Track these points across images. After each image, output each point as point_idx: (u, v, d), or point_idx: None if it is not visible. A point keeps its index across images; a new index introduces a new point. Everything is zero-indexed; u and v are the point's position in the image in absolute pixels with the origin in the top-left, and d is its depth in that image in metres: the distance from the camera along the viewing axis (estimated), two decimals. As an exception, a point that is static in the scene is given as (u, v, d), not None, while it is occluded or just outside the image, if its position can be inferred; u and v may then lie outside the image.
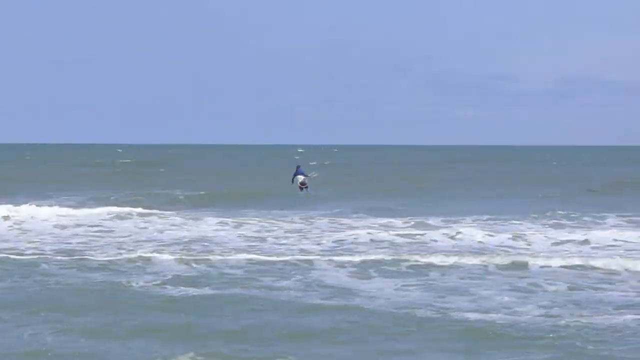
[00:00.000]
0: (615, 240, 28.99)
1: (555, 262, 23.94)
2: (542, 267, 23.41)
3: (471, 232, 30.94)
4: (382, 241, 29.66)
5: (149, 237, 30.69)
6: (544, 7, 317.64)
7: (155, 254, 25.34)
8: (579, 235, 29.94)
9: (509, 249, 27.37)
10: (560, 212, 37.74)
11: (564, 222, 34.90)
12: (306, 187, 45.15)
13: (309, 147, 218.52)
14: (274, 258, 25.02)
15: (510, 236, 29.87)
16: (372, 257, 25.06)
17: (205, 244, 28.87)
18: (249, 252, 26.63)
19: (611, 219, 35.53)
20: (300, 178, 45.10)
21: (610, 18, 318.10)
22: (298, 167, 46.93)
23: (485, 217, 35.98)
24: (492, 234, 30.51)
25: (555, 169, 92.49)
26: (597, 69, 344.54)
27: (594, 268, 23.19)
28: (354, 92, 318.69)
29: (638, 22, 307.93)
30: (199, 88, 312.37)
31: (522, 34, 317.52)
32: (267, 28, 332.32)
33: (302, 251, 27.12)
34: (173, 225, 34.11)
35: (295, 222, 37.01)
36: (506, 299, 19.06)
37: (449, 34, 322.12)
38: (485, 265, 23.68)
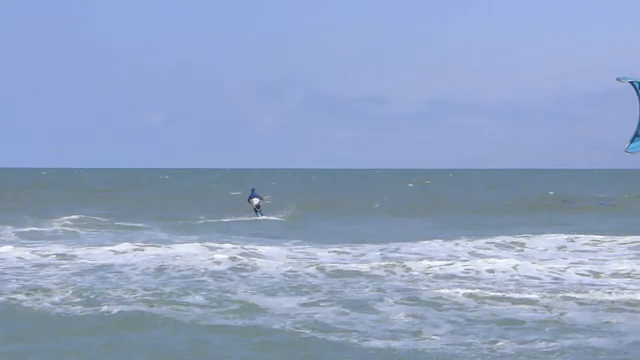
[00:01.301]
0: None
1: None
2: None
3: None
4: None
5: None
6: (414, 30, 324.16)
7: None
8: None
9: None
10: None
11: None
12: (260, 210, 48.07)
13: (172, 172, 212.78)
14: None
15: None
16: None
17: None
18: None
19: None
20: (255, 201, 48.21)
21: (478, 41, 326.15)
22: (253, 190, 49.41)
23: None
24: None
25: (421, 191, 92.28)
26: (466, 92, 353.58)
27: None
28: (219, 114, 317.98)
29: (505, 46, 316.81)
30: (49, 109, 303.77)
31: (394, 56, 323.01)
32: (139, 48, 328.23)
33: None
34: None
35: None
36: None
37: (321, 56, 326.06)
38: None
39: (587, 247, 30.69)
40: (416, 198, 72.87)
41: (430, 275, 23.41)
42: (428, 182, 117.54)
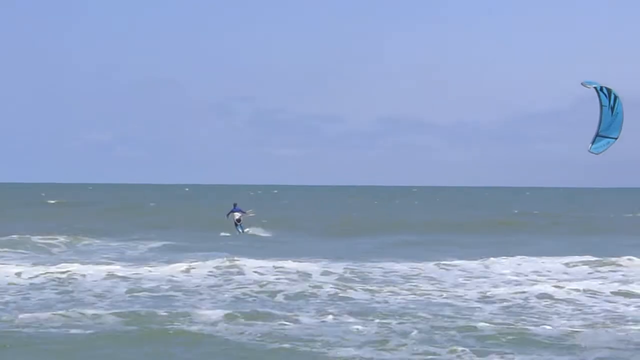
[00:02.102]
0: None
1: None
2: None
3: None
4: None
5: None
6: (365, 48, 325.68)
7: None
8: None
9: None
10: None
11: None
12: (240, 224, 47.99)
13: (124, 187, 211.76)
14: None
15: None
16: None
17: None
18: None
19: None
20: (237, 215, 48.21)
21: (430, 61, 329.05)
22: (235, 205, 49.43)
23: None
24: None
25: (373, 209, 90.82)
26: (417, 110, 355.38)
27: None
28: (168, 131, 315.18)
29: (456, 66, 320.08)
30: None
31: (345, 74, 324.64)
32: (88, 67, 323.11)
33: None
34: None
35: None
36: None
37: (271, 74, 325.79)
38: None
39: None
40: (394, 215, 72.24)
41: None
42: (397, 201, 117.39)
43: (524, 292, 23.65)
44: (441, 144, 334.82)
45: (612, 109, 16.95)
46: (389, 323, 18.69)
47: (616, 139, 17.04)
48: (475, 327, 18.21)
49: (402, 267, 29.90)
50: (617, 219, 69.07)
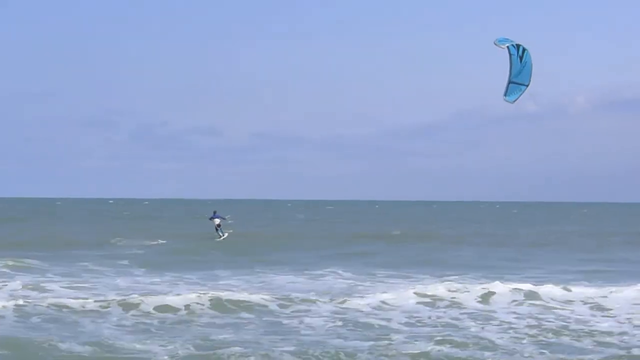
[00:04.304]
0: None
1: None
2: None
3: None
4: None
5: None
6: (239, 62, 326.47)
7: None
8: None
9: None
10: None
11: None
12: (220, 229, 52.78)
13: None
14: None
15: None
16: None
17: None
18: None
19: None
20: (217, 221, 53.40)
21: (304, 76, 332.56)
22: (214, 212, 54.53)
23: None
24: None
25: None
26: (291, 125, 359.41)
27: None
28: (46, 145, 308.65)
29: (329, 81, 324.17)
30: None
31: (221, 88, 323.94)
32: None
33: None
34: None
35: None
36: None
37: (149, 88, 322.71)
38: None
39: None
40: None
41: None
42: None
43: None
44: (316, 158, 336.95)
45: (521, 58, 17.03)
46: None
47: (527, 85, 17.07)
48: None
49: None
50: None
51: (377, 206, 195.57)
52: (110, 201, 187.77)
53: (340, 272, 33.22)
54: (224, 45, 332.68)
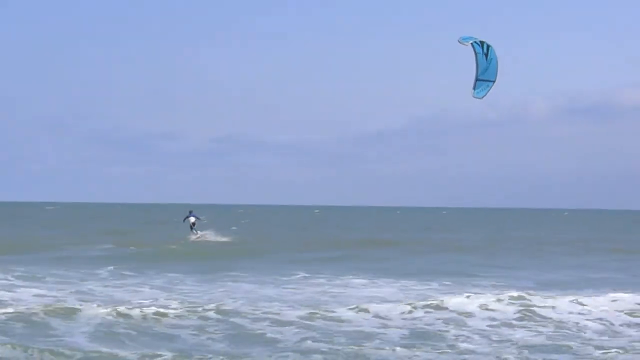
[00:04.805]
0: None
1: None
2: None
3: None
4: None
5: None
6: (201, 66, 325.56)
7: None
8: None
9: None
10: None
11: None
12: (194, 228, 55.22)
13: None
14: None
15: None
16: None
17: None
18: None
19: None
20: (192, 219, 55.58)
21: (263, 82, 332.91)
22: (190, 211, 56.50)
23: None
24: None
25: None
26: (252, 130, 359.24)
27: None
28: None
29: (298, 86, 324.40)
30: None
31: (182, 92, 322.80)
32: None
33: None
34: None
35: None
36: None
37: (106, 91, 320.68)
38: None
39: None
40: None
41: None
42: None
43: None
44: (276, 163, 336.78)
45: (486, 55, 17.38)
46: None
47: (494, 81, 17.45)
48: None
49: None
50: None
51: (316, 211, 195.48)
52: (49, 207, 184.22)
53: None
54: (182, 49, 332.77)
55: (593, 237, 73.20)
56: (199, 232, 55.68)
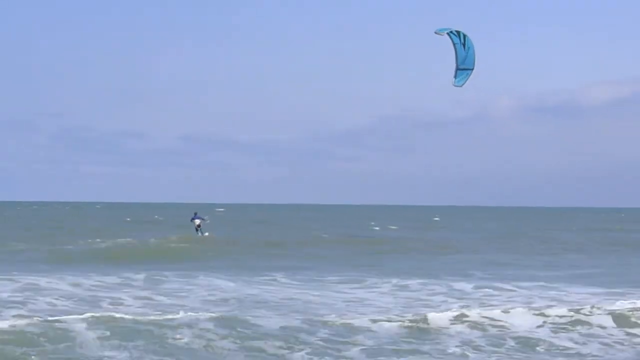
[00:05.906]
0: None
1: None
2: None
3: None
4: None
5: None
6: (168, 65, 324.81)
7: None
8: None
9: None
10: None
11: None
12: (200, 229, 57.14)
13: None
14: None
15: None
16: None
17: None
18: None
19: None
20: (197, 222, 57.76)
21: (234, 81, 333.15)
22: (195, 213, 59.42)
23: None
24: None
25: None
26: (221, 128, 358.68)
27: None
28: None
29: (265, 84, 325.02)
30: None
31: (149, 91, 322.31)
32: None
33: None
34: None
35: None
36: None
37: (75, 90, 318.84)
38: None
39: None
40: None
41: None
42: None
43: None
44: (245, 162, 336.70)
45: (464, 45, 17.94)
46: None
47: (472, 69, 18.03)
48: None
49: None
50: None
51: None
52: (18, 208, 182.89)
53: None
54: (148, 47, 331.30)
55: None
56: (206, 233, 57.14)
